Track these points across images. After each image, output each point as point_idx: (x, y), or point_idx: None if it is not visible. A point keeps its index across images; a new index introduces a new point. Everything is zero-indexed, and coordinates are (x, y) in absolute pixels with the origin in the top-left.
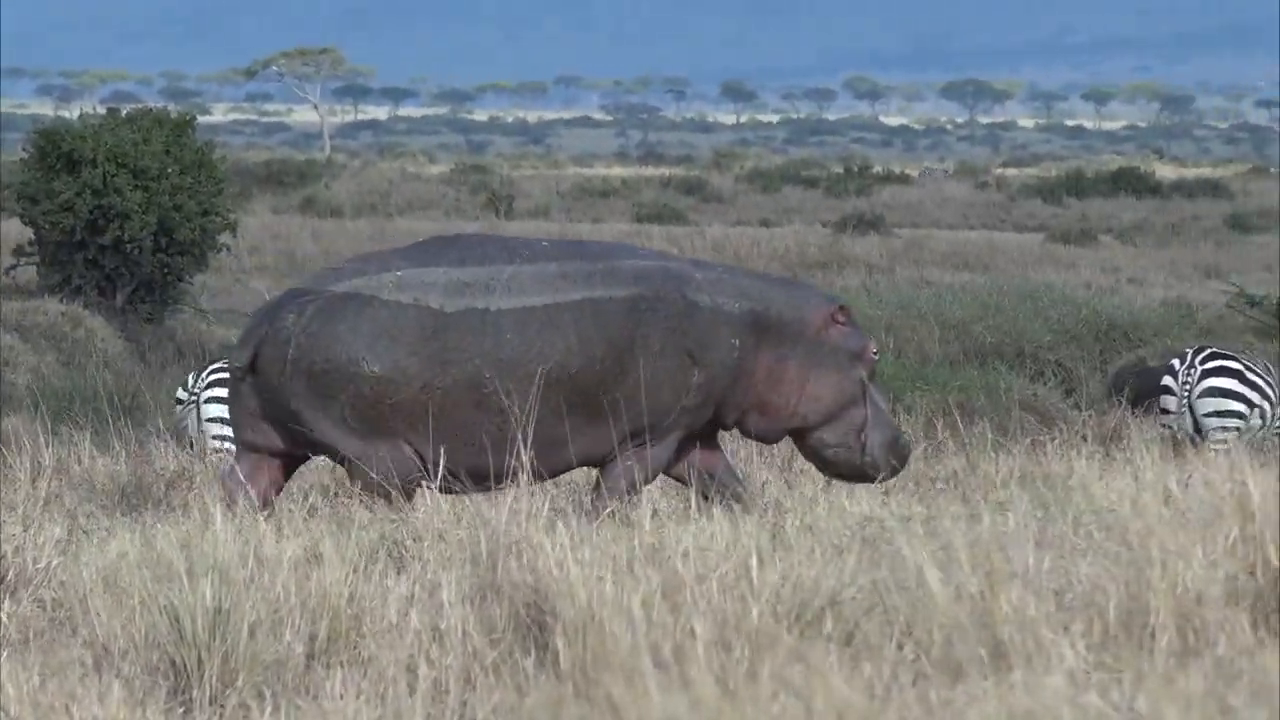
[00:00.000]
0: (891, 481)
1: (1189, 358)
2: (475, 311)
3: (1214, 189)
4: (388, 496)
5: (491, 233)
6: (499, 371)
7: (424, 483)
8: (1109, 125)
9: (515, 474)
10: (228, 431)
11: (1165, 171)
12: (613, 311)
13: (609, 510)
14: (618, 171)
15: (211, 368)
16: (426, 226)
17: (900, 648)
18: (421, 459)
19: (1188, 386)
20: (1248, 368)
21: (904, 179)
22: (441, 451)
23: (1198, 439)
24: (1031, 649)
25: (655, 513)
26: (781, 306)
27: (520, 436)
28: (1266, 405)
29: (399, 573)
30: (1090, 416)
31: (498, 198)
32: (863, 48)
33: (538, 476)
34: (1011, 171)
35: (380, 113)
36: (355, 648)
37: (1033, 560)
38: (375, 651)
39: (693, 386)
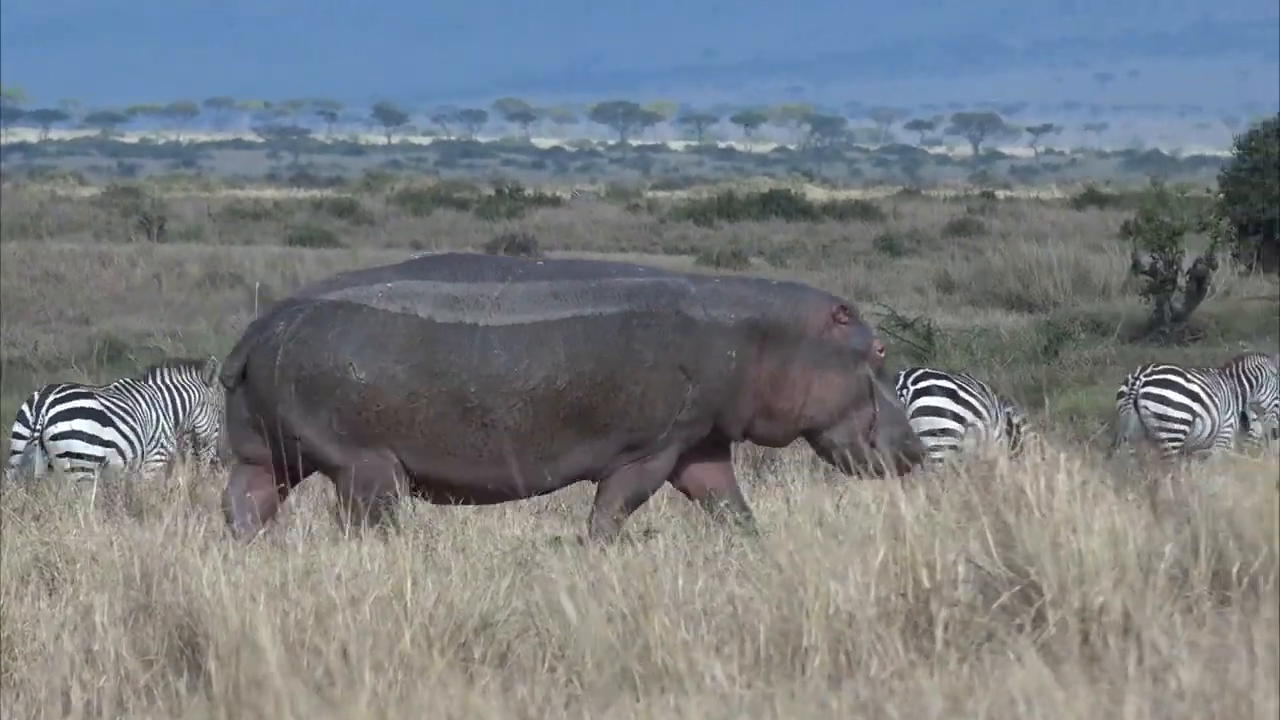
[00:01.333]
0: (544, 504)
1: (901, 378)
2: (464, 326)
3: (864, 211)
4: (372, 510)
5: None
6: (483, 386)
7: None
8: (760, 147)
9: (501, 488)
10: (84, 449)
11: (816, 193)
12: (604, 328)
13: (608, 527)
14: (269, 193)
15: (51, 399)
16: (78, 249)
17: (553, 670)
18: (406, 468)
19: None
20: (961, 386)
21: (555, 201)
22: (417, 460)
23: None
24: (683, 671)
25: (309, 535)
26: (779, 311)
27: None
28: (980, 424)
29: (51, 595)
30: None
31: (149, 220)
32: (513, 69)
33: (529, 492)
34: (663, 193)
35: (30, 135)
36: (7, 671)
37: (684, 582)
38: (27, 675)
39: (687, 401)
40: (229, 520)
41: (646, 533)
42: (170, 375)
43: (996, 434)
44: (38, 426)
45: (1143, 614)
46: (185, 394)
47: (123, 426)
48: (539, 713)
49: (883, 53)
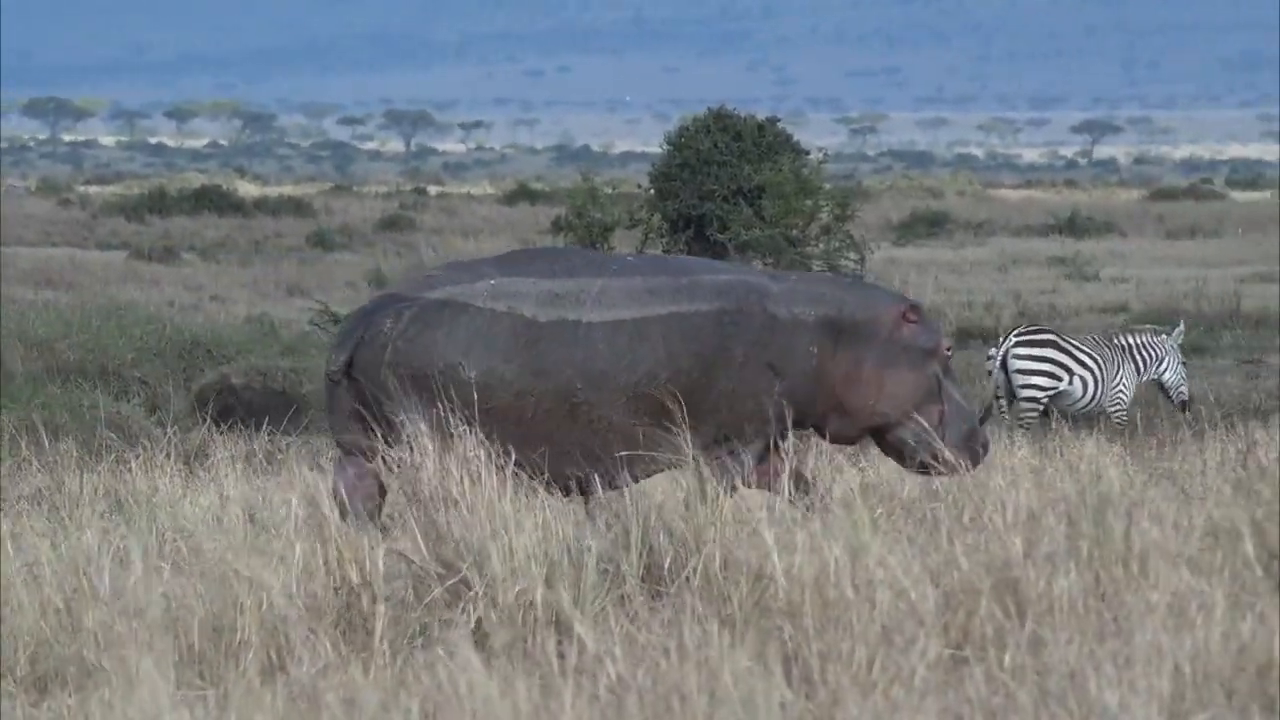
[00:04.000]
0: None
1: None
2: (567, 323)
3: (296, 207)
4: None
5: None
6: (589, 383)
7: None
8: (192, 143)
9: (606, 482)
10: None
11: (248, 189)
12: (698, 325)
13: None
14: None
15: None
16: None
17: None
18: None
19: None
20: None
21: None
22: (524, 456)
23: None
24: (117, 666)
25: None
26: (855, 309)
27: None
28: None
29: None
30: (175, 433)
31: None
32: None
33: (625, 485)
34: (94, 189)
35: None
36: None
37: (119, 577)
38: None
39: (775, 396)
40: (344, 513)
41: (82, 525)
42: None
43: None
44: None
45: (573, 608)
46: None
47: None
48: None
49: (314, 49)
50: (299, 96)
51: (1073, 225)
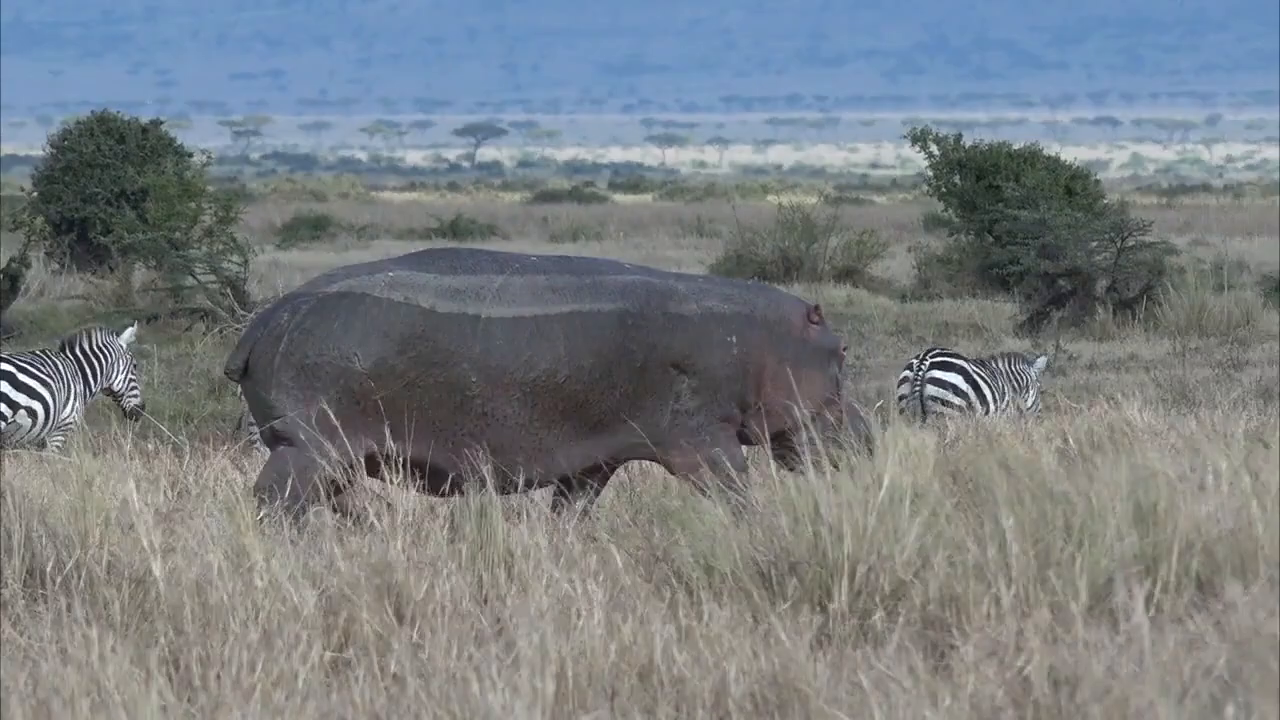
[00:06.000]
0: None
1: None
2: (466, 316)
3: None
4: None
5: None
6: (485, 376)
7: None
8: None
9: (499, 481)
10: None
11: None
12: (601, 325)
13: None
14: None
15: None
16: None
17: None
18: (388, 458)
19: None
20: (40, 366)
21: None
22: (414, 448)
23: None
24: None
25: None
26: (765, 310)
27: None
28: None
29: None
30: None
31: None
32: None
33: (526, 484)
34: None
35: None
36: None
37: None
38: None
39: (683, 393)
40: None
41: None
42: None
43: None
44: None
45: None
46: None
47: None
48: None
49: None
50: None
51: (455, 228)
